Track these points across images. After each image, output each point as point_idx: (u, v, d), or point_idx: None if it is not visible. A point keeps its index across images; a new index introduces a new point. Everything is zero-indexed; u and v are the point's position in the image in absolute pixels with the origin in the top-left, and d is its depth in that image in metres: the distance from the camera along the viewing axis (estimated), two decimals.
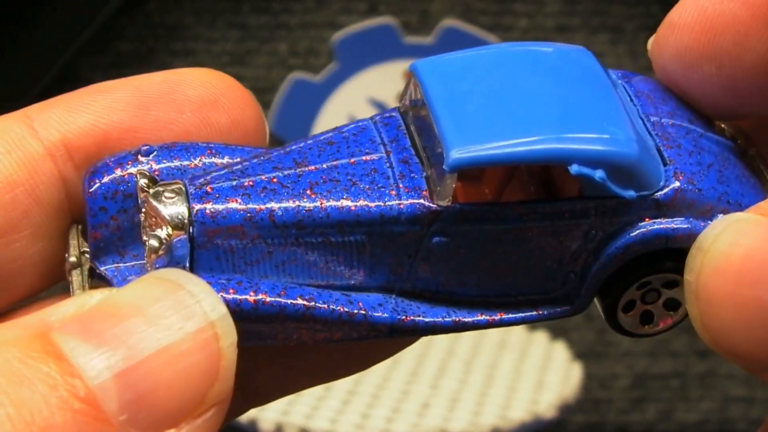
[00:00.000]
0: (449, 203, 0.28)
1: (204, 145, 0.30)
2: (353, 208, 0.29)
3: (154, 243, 0.28)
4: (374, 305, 0.29)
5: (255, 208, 0.28)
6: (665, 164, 0.30)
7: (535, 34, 0.82)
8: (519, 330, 0.73)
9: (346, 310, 0.29)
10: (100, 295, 0.26)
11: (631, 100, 0.31)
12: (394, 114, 0.31)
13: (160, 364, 0.24)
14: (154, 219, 0.28)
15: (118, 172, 0.30)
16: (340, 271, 0.29)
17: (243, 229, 0.28)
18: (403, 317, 0.29)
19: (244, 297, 0.28)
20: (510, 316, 0.30)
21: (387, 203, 0.29)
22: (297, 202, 0.28)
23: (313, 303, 0.28)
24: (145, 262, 0.29)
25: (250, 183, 0.29)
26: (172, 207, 0.28)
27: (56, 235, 0.30)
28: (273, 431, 0.65)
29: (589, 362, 0.75)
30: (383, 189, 0.29)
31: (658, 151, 0.30)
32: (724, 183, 0.30)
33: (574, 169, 0.28)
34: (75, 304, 0.26)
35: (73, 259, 0.30)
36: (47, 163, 0.30)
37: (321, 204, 0.28)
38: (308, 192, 0.29)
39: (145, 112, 0.31)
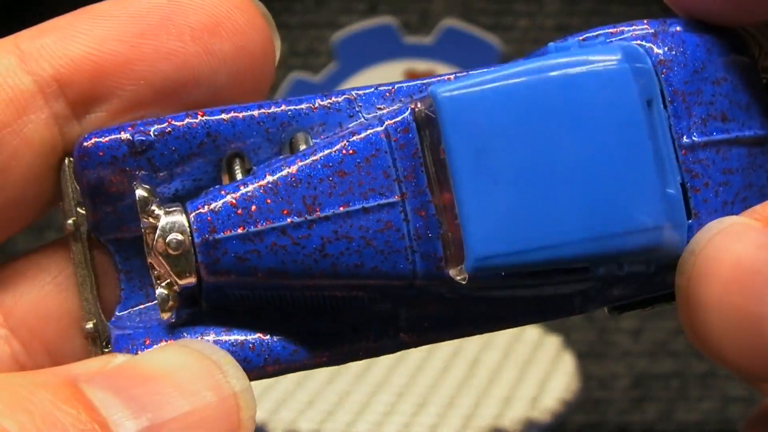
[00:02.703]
0: (464, 281, 0.28)
1: (201, 124, 0.29)
2: (365, 274, 0.28)
3: (164, 292, 0.28)
4: (382, 336, 0.29)
5: (266, 268, 0.28)
6: (689, 216, 0.29)
7: (535, 34, 0.82)
8: (518, 330, 0.73)
9: (354, 348, 0.29)
10: (123, 357, 0.27)
11: (665, 107, 0.29)
12: (410, 130, 0.28)
13: (183, 427, 0.25)
14: (160, 267, 0.28)
15: (111, 161, 0.28)
16: (348, 308, 0.29)
17: (252, 283, 0.28)
18: (411, 338, 0.29)
19: (259, 364, 0.28)
20: (512, 321, 0.30)
21: (401, 272, 0.28)
22: (309, 265, 0.27)
23: (325, 359, 0.29)
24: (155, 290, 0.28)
25: (260, 237, 0.27)
26: (180, 261, 0.27)
27: (49, 174, 0.29)
28: None
29: (589, 362, 0.75)
30: (398, 253, 0.28)
31: (684, 193, 0.29)
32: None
33: (600, 272, 0.27)
34: (99, 362, 0.26)
35: (70, 221, 0.29)
36: (38, 101, 0.28)
37: (334, 268, 0.28)
38: (320, 251, 0.27)
39: (142, 41, 0.28)
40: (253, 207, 0.27)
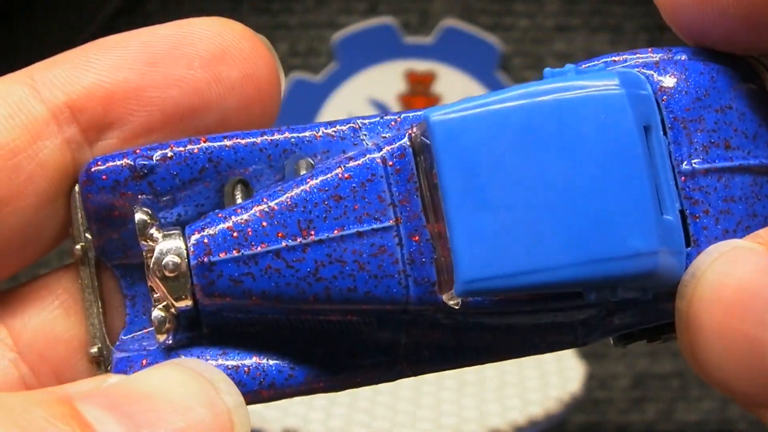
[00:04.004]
0: (457, 306, 0.28)
1: (203, 149, 0.29)
2: (359, 298, 0.28)
3: (160, 314, 0.28)
4: (380, 365, 0.29)
5: (260, 291, 0.28)
6: (688, 244, 0.28)
7: (535, 34, 0.82)
8: None
9: (351, 376, 0.29)
10: (117, 378, 0.27)
11: (665, 133, 0.29)
12: (406, 155, 0.28)
13: None
14: (158, 290, 0.28)
15: (114, 185, 0.29)
16: (346, 335, 0.29)
17: (247, 306, 0.28)
18: (410, 367, 0.29)
19: (254, 388, 0.28)
20: (513, 352, 0.30)
21: (394, 296, 0.28)
22: (303, 288, 0.28)
23: (322, 385, 0.29)
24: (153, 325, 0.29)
25: (255, 259, 0.28)
26: (176, 283, 0.28)
27: (62, 198, 0.30)
28: None
29: (589, 362, 0.75)
30: (391, 277, 0.28)
31: (683, 220, 0.28)
32: None
33: (591, 297, 0.27)
34: (94, 382, 0.26)
35: (78, 246, 0.29)
36: (51, 127, 0.29)
37: (327, 292, 0.28)
38: (314, 275, 0.28)
39: (152, 69, 0.29)
40: (249, 230, 0.28)
